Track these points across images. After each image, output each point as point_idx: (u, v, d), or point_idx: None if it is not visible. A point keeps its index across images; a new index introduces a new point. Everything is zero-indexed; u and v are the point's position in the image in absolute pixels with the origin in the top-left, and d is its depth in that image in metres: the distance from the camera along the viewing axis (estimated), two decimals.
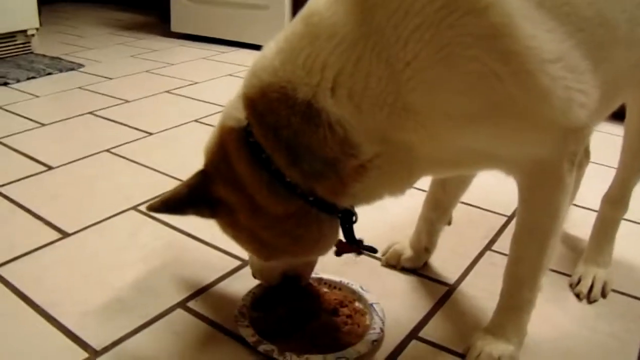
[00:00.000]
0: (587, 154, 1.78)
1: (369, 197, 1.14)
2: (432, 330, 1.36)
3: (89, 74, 3.46)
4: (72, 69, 3.53)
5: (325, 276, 1.47)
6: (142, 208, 1.84)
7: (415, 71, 0.95)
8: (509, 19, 0.92)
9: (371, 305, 1.40)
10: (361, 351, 1.26)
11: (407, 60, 0.95)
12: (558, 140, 1.05)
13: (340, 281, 1.47)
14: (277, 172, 1.07)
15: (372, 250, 1.30)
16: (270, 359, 1.23)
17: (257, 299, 1.38)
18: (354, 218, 1.20)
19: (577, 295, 1.52)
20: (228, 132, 1.13)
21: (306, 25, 1.04)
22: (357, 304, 1.42)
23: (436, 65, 0.95)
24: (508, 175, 1.17)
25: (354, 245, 1.25)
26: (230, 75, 3.46)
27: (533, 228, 1.19)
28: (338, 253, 1.26)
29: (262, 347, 1.24)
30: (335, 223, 1.18)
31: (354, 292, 1.45)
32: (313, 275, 1.43)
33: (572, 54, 0.98)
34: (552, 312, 1.45)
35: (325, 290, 1.45)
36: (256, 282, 1.40)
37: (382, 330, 1.33)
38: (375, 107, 0.99)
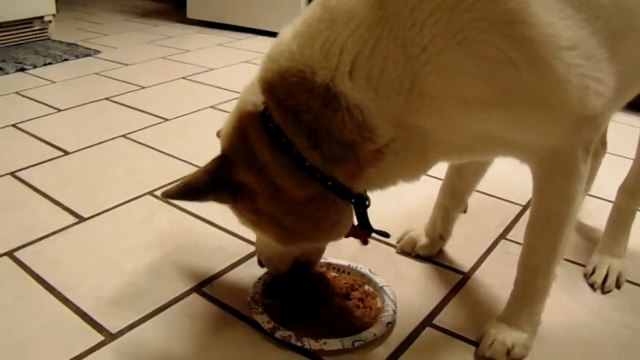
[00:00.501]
0: (604, 144, 1.77)
1: (384, 182, 1.14)
2: (446, 318, 1.36)
3: (106, 60, 3.47)
4: (89, 55, 3.54)
5: (333, 261, 1.48)
6: (158, 193, 1.85)
7: (431, 55, 0.95)
8: (525, 5, 0.91)
9: (381, 287, 1.41)
10: (377, 333, 1.27)
11: (423, 45, 0.95)
12: (573, 128, 1.05)
13: (349, 265, 1.47)
14: (298, 155, 1.07)
15: (384, 234, 1.29)
16: (288, 344, 1.24)
17: (268, 286, 1.38)
18: (367, 203, 1.20)
19: (592, 286, 1.52)
20: (247, 116, 1.12)
21: (324, 9, 1.04)
22: (367, 287, 1.43)
23: (451, 50, 0.95)
24: (522, 163, 1.16)
25: (366, 230, 1.25)
26: (246, 62, 3.46)
27: (547, 216, 1.19)
28: (347, 235, 1.26)
29: (279, 334, 1.24)
30: (350, 208, 1.18)
31: (363, 275, 1.46)
32: (322, 260, 1.43)
33: (588, 41, 0.98)
34: (566, 302, 1.45)
35: (334, 274, 1.46)
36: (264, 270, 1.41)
37: (394, 312, 1.34)
38: (392, 91, 0.99)
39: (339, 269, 1.48)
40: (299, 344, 1.22)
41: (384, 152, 1.06)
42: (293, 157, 1.07)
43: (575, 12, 0.96)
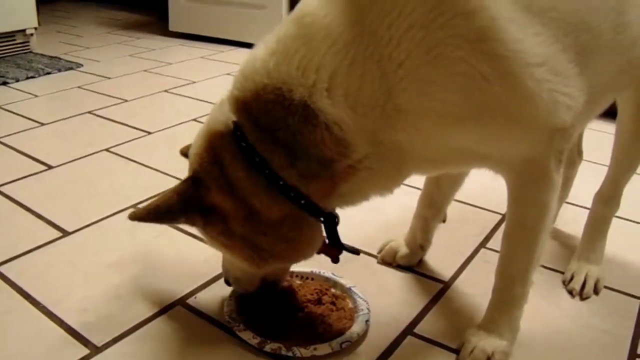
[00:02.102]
0: (579, 152, 1.80)
1: (356, 197, 1.16)
2: (427, 326, 1.38)
3: (88, 73, 3.47)
4: (71, 69, 3.54)
5: (295, 269, 1.47)
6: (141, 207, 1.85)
7: (407, 71, 0.97)
8: (496, 23, 0.94)
9: (349, 288, 1.44)
10: (359, 332, 1.30)
11: (400, 61, 0.97)
12: (544, 139, 1.07)
13: (311, 271, 1.49)
14: (273, 174, 1.07)
15: (354, 252, 1.31)
16: (277, 356, 1.25)
17: (241, 302, 1.38)
18: (336, 221, 1.20)
19: (570, 292, 1.54)
20: (218, 137, 1.12)
21: (299, 27, 1.05)
22: (333, 290, 1.45)
23: (427, 66, 0.97)
24: (497, 174, 1.19)
25: (337, 248, 1.25)
26: (228, 74, 3.47)
27: (523, 225, 1.21)
28: (318, 252, 1.26)
29: (268, 347, 1.25)
30: (320, 226, 1.19)
31: (327, 279, 1.48)
32: None
33: (557, 58, 1.00)
34: (545, 309, 1.47)
35: (299, 282, 1.48)
36: None
37: (369, 309, 1.37)
38: (368, 107, 1.01)
39: (302, 276, 1.49)
40: (290, 353, 1.23)
41: (357, 168, 1.08)
42: (267, 177, 1.08)
43: (544, 29, 0.99)
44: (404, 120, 1.02)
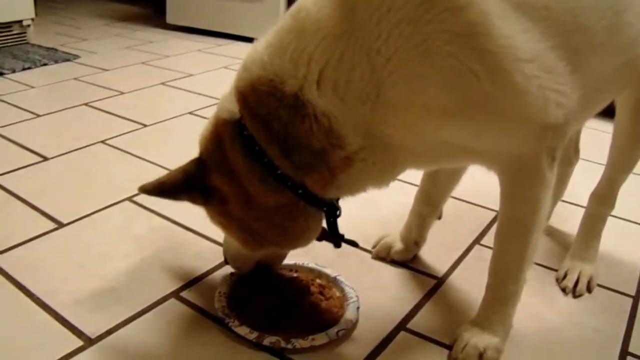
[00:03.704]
0: (576, 151, 1.80)
1: (354, 188, 1.17)
2: (421, 322, 1.38)
3: (85, 65, 3.47)
4: (68, 60, 3.53)
5: None
6: (137, 199, 1.86)
7: (396, 66, 0.98)
8: (485, 18, 0.95)
9: (335, 278, 1.46)
10: (353, 319, 1.32)
11: (388, 56, 0.98)
12: (536, 136, 1.08)
13: (295, 263, 1.50)
14: (270, 163, 1.10)
15: (353, 243, 1.33)
16: (275, 349, 1.26)
17: (232, 298, 1.38)
18: (338, 212, 1.23)
19: (563, 290, 1.55)
20: (222, 124, 1.16)
21: (294, 21, 1.07)
22: (318, 280, 1.46)
23: (415, 60, 0.98)
24: (489, 170, 1.19)
25: (336, 238, 1.28)
26: (226, 67, 3.47)
27: (515, 222, 1.21)
28: (319, 238, 1.28)
29: (267, 340, 1.26)
30: (319, 216, 1.21)
31: (311, 270, 1.49)
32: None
33: (548, 55, 1.01)
34: (538, 306, 1.47)
35: (285, 274, 1.48)
36: (224, 275, 1.43)
37: (357, 296, 1.39)
38: (358, 100, 1.02)
39: (286, 268, 1.50)
40: (289, 346, 1.24)
41: (353, 159, 1.09)
42: (265, 165, 1.10)
43: (535, 27, 0.99)
44: (394, 115, 1.03)
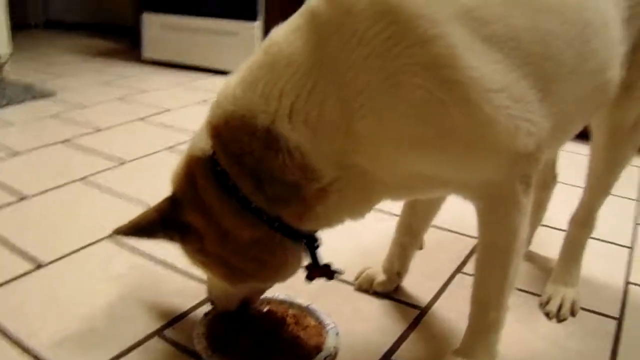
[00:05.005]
0: (554, 176, 1.82)
1: (331, 220, 1.17)
2: (405, 353, 1.38)
3: (63, 101, 3.46)
4: (46, 96, 3.52)
5: None
6: (117, 237, 1.84)
7: (366, 99, 1.00)
8: (452, 50, 0.96)
9: (307, 307, 1.46)
10: (335, 345, 1.33)
11: (359, 89, 0.99)
12: (508, 164, 1.09)
13: (265, 296, 1.48)
14: (244, 198, 1.11)
15: (337, 272, 1.31)
16: None
17: (212, 338, 1.36)
18: (317, 243, 1.23)
19: (547, 315, 1.56)
20: (195, 161, 1.16)
21: (266, 55, 1.09)
22: (291, 311, 1.46)
23: (385, 93, 0.99)
24: (465, 199, 1.19)
25: (323, 269, 1.27)
26: (204, 101, 3.47)
27: (494, 249, 1.21)
28: (310, 278, 1.28)
29: None
30: (299, 249, 1.21)
31: (283, 301, 1.48)
32: None
33: (517, 84, 1.02)
34: (523, 332, 1.48)
35: (257, 308, 1.47)
36: (200, 316, 1.42)
37: (334, 323, 1.39)
38: (330, 133, 1.04)
39: (257, 302, 1.48)
40: None
41: (328, 191, 1.09)
42: (239, 200, 1.11)
43: (504, 58, 1.01)
44: (366, 146, 1.04)
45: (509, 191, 1.13)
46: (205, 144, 1.14)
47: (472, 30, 0.99)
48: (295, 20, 1.10)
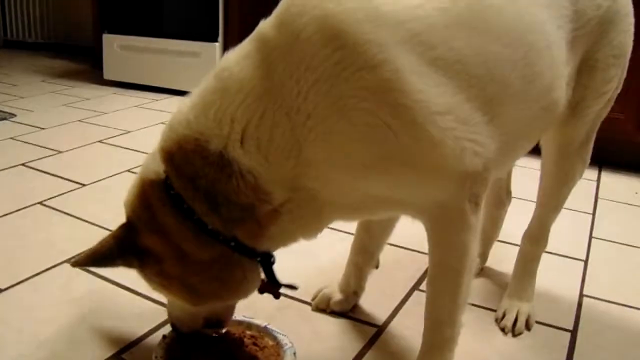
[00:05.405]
0: (508, 193, 1.85)
1: (285, 239, 1.19)
2: None
3: (21, 123, 3.43)
4: (4, 119, 3.49)
5: None
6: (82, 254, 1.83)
7: (315, 123, 1.02)
8: (399, 75, 0.99)
9: (265, 327, 1.46)
10: None
11: (307, 113, 1.02)
12: (456, 184, 1.11)
13: None
14: (199, 220, 1.11)
15: (292, 287, 1.31)
16: None
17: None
18: (272, 260, 1.24)
19: (503, 329, 1.58)
20: (149, 184, 1.17)
21: (217, 81, 1.11)
22: (249, 332, 1.46)
23: (333, 117, 1.01)
24: (414, 219, 1.22)
25: (275, 285, 1.27)
26: (163, 123, 3.43)
27: (445, 267, 1.23)
28: (261, 291, 1.29)
29: None
30: (255, 266, 1.21)
31: (240, 322, 1.49)
32: None
33: (463, 107, 1.05)
34: (479, 347, 1.50)
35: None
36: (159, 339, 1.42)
37: (291, 342, 1.40)
38: (281, 157, 1.06)
39: None
40: None
41: (280, 212, 1.11)
42: (195, 222, 1.12)
43: (449, 81, 1.04)
44: (316, 169, 1.06)
45: (457, 211, 1.15)
46: (158, 167, 1.15)
47: (418, 55, 1.01)
48: (246, 45, 1.12)
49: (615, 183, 2.79)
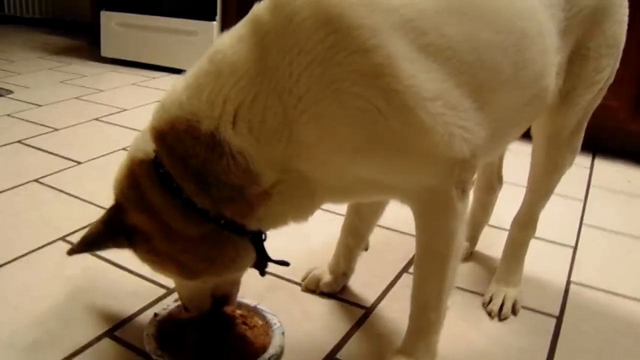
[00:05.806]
0: (499, 178, 1.87)
1: (274, 221, 1.21)
2: (350, 352, 1.42)
3: (18, 100, 3.44)
4: (1, 95, 3.50)
5: None
6: (71, 239, 1.86)
7: (307, 105, 1.04)
8: (391, 60, 1.00)
9: (255, 307, 1.49)
10: (282, 344, 1.37)
11: (300, 95, 1.03)
12: (444, 170, 1.13)
13: None
14: (188, 199, 1.13)
15: (283, 263, 1.31)
16: None
17: (161, 339, 1.39)
18: (263, 236, 1.24)
19: (489, 314, 1.60)
20: (138, 164, 1.18)
21: (211, 63, 1.12)
22: (239, 311, 1.48)
23: (325, 100, 1.03)
24: (403, 203, 1.23)
25: (266, 260, 1.27)
26: (159, 101, 3.44)
27: (431, 252, 1.25)
28: (255, 267, 1.29)
29: None
30: (247, 242, 1.22)
31: None
32: None
33: (452, 93, 1.07)
34: (465, 331, 1.52)
35: None
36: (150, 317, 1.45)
37: (280, 322, 1.42)
38: (273, 138, 1.07)
39: None
40: None
41: (270, 193, 1.13)
42: (184, 201, 1.13)
43: (439, 67, 1.05)
44: (307, 152, 1.08)
45: (445, 196, 1.17)
46: (147, 146, 1.17)
47: (411, 40, 1.03)
48: (240, 28, 1.13)
49: (608, 170, 2.80)
